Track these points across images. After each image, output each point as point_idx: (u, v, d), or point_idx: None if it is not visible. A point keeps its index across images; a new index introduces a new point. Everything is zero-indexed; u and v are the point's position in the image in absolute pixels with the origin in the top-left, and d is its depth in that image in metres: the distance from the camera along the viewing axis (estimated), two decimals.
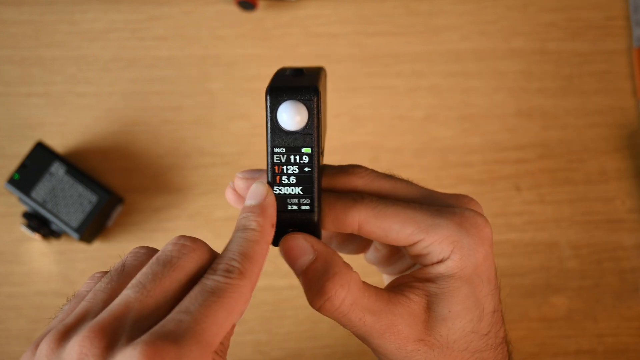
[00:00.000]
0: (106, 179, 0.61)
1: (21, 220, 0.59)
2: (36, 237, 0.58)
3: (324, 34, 0.64)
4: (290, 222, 0.31)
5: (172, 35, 0.64)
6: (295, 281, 0.59)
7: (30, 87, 0.63)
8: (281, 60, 0.63)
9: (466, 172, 0.62)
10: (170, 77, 0.63)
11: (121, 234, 0.61)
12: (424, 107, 0.63)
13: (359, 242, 0.38)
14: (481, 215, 0.33)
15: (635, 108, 0.63)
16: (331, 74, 0.63)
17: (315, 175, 0.31)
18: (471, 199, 0.34)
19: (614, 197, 0.61)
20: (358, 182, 0.33)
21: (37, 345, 0.27)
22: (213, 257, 0.29)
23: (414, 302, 0.31)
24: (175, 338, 0.24)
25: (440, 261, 0.32)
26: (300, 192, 0.31)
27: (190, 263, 0.28)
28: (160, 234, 0.61)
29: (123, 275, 0.28)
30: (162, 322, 0.25)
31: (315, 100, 0.30)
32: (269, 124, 0.30)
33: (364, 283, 0.32)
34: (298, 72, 0.31)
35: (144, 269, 0.27)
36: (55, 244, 0.60)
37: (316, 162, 0.30)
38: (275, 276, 0.59)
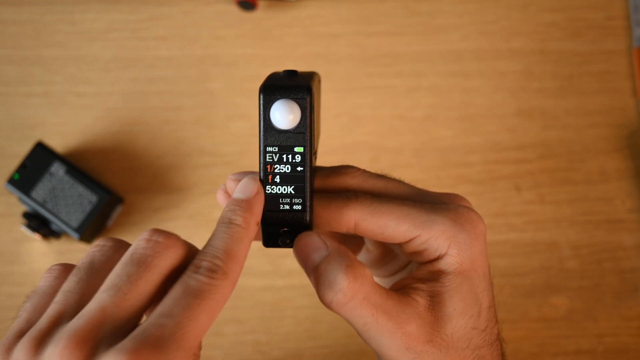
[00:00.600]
0: (106, 179, 0.61)
1: (21, 220, 0.59)
2: (36, 237, 0.58)
3: (324, 34, 0.64)
4: (282, 222, 0.31)
5: (172, 35, 0.64)
6: (295, 281, 0.59)
7: (30, 87, 0.63)
8: (281, 60, 0.63)
9: (466, 172, 0.62)
10: (170, 77, 0.63)
11: (121, 234, 0.61)
12: (424, 107, 0.63)
13: (349, 244, 0.38)
14: (475, 211, 0.33)
15: (635, 108, 0.63)
16: (331, 73, 0.63)
17: (308, 174, 0.30)
18: (462, 197, 0.34)
19: (614, 197, 0.61)
20: (351, 182, 0.33)
21: (7, 349, 0.26)
22: (189, 252, 0.28)
23: (420, 304, 0.31)
24: (158, 344, 0.24)
25: (438, 257, 0.32)
26: (292, 192, 0.31)
27: (165, 261, 0.27)
28: None
29: (93, 273, 0.27)
30: (143, 326, 0.25)
31: (308, 99, 0.30)
32: (261, 122, 0.30)
33: (376, 282, 0.32)
34: (292, 73, 0.31)
35: (118, 270, 0.26)
36: (55, 244, 0.60)
37: (308, 161, 0.30)
38: (275, 276, 0.59)
